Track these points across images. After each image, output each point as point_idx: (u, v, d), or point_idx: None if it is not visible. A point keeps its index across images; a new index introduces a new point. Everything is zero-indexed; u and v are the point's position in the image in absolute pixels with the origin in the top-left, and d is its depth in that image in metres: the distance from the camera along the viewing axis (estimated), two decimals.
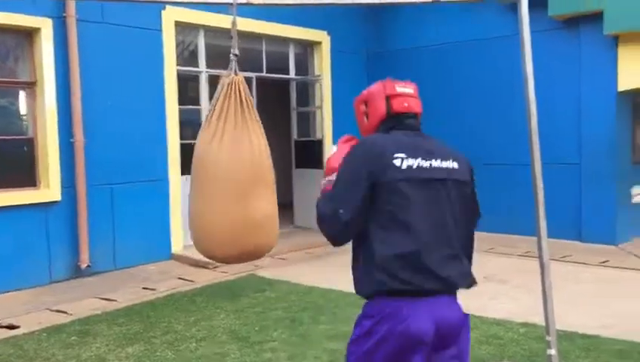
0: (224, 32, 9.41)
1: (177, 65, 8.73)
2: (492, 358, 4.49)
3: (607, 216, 8.87)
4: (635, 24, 8.25)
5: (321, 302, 6.16)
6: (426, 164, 2.19)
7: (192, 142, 9.10)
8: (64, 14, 7.40)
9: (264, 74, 10.02)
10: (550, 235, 3.52)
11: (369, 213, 2.15)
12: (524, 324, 5.20)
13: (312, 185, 10.14)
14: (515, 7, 9.49)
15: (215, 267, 8.00)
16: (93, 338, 5.30)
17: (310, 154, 10.41)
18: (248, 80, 9.72)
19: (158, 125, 8.52)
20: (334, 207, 2.16)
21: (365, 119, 2.37)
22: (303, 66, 10.73)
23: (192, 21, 8.87)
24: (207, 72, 9.21)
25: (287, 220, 10.68)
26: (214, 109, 3.05)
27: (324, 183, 2.31)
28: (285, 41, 10.30)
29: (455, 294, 2.25)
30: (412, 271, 2.12)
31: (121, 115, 8.07)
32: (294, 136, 10.65)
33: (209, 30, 9.21)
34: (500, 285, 6.73)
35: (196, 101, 9.22)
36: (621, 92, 8.76)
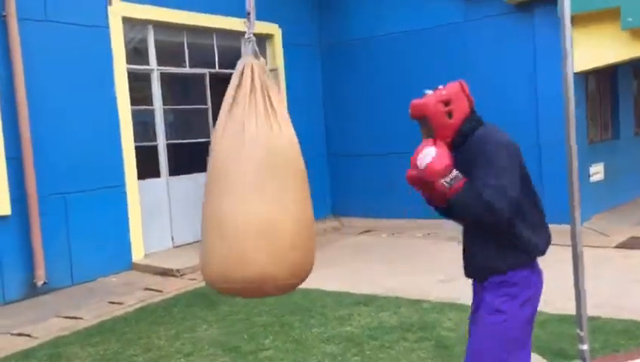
0: (175, 28, 9.01)
1: (127, 63, 8.25)
2: None
3: (568, 196, 8.97)
4: (589, 5, 8.36)
5: (305, 303, 5.91)
6: None
7: (148, 144, 8.80)
8: (4, 13, 6.82)
9: (217, 70, 9.63)
10: None
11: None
12: None
13: None
14: None
15: (182, 274, 7.63)
16: None
17: None
18: (201, 76, 9.34)
19: (110, 128, 8.01)
20: (507, 190, 2.42)
21: (448, 118, 2.59)
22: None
23: (141, 16, 8.40)
24: (158, 69, 8.76)
25: None
26: (231, 97, 2.67)
27: (449, 182, 2.47)
28: (237, 35, 9.93)
29: None
30: (546, 241, 2.65)
31: (70, 119, 7.54)
32: None
33: (159, 26, 8.75)
34: None
35: (149, 101, 8.75)
36: (576, 73, 8.87)
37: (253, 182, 2.60)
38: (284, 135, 2.66)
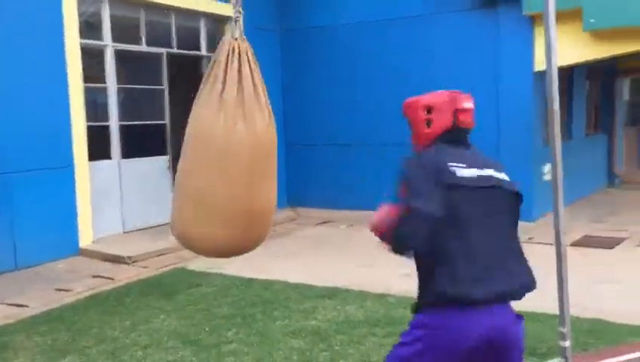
0: (131, 3, 8.59)
1: (80, 38, 7.80)
2: None
3: (525, 194, 9.08)
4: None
5: (267, 295, 5.72)
6: (480, 173, 2.24)
7: (100, 124, 8.37)
8: None
9: (175, 50, 9.26)
10: None
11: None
12: None
13: None
14: None
15: (134, 261, 7.30)
16: (13, 352, 4.53)
17: None
18: (158, 56, 8.96)
19: (60, 106, 7.56)
20: (418, 208, 2.09)
21: (426, 126, 2.36)
22: (216, 43, 10.04)
23: None
24: (113, 46, 8.33)
25: None
26: (219, 78, 2.54)
27: (383, 225, 2.20)
28: (196, 14, 9.58)
29: (509, 303, 2.23)
30: (473, 283, 2.09)
31: (17, 95, 7.06)
32: None
33: (115, 0, 8.32)
34: None
35: (102, 79, 8.31)
36: (537, 72, 8.97)
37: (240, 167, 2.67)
38: (271, 119, 2.73)
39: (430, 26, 9.66)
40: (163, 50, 9.01)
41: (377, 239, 2.23)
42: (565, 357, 3.23)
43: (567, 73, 10.69)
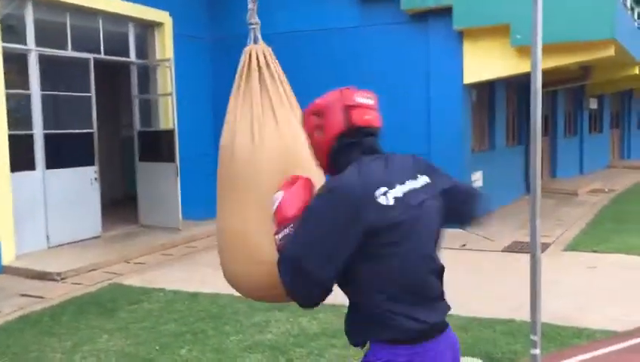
0: (56, 6, 8.18)
1: (2, 42, 7.33)
2: None
3: None
4: (482, 20, 8.79)
5: (214, 309, 5.55)
6: (404, 189, 1.87)
7: (23, 132, 7.88)
8: None
9: (102, 55, 8.89)
10: None
11: (357, 259, 1.80)
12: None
13: (158, 180, 9.28)
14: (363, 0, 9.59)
15: (64, 278, 6.90)
16: None
17: (156, 146, 9.49)
18: (84, 61, 8.57)
19: None
20: (308, 270, 1.77)
21: (318, 133, 1.97)
22: (144, 49, 9.74)
23: None
24: (37, 50, 7.88)
25: (131, 219, 9.68)
26: (246, 96, 2.40)
27: (279, 239, 1.90)
28: (124, 19, 9.25)
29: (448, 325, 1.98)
30: (418, 312, 1.84)
31: None
32: (137, 126, 9.62)
33: (39, 3, 7.89)
34: None
35: (25, 85, 7.84)
36: (466, 84, 9.30)
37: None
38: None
39: (362, 38, 9.81)
40: (90, 56, 8.61)
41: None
42: None
43: (488, 86, 11.15)
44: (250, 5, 2.60)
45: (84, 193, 8.52)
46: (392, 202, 1.80)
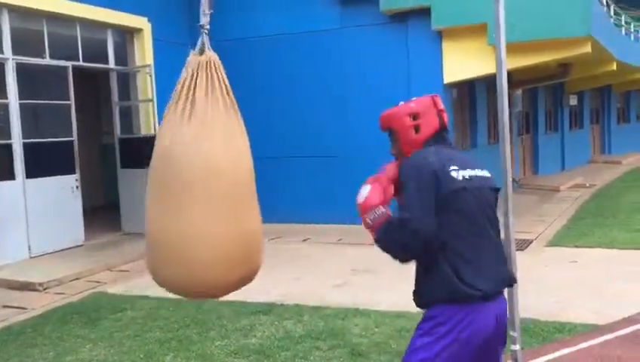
0: (33, 14, 8.11)
1: None
2: None
3: None
4: (461, 19, 8.85)
5: (199, 315, 5.53)
6: (473, 173, 2.35)
7: (2, 142, 7.79)
8: None
9: (81, 63, 8.82)
10: None
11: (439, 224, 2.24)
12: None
13: (140, 187, 9.21)
14: (343, 0, 9.63)
15: (46, 288, 6.84)
16: None
17: (137, 152, 9.42)
18: (63, 69, 8.51)
19: None
20: (416, 220, 2.19)
21: (414, 132, 2.43)
22: (124, 55, 9.69)
23: None
24: (14, 59, 7.81)
25: (113, 226, 9.62)
26: (188, 97, 2.41)
27: (371, 219, 2.31)
28: (102, 26, 9.19)
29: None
30: (478, 276, 2.25)
31: None
32: (118, 133, 9.56)
33: (15, 10, 7.83)
34: (371, 275, 6.70)
35: (3, 94, 7.76)
36: (446, 84, 9.35)
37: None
38: (245, 141, 2.61)
39: (343, 40, 9.83)
40: (68, 64, 8.55)
41: (368, 230, 2.34)
42: (515, 359, 3.34)
43: (469, 86, 11.24)
44: (206, 10, 2.61)
45: (66, 201, 8.45)
46: (460, 178, 2.28)
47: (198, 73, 2.46)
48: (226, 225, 2.41)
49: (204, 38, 2.58)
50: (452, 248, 2.22)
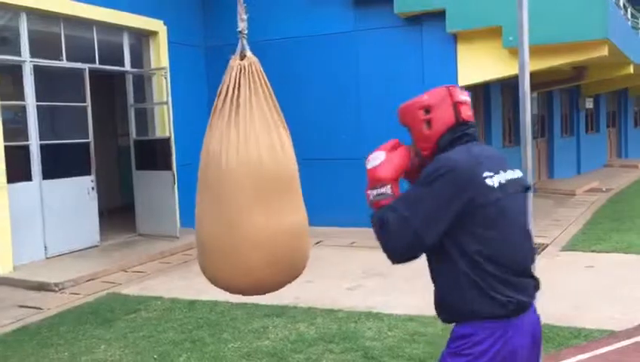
0: (50, 17, 8.20)
1: None
2: (431, 357, 4.35)
3: None
4: (475, 22, 8.82)
5: (212, 316, 5.55)
6: (506, 177, 2.12)
7: (19, 143, 7.88)
8: None
9: (97, 65, 8.90)
10: None
11: (462, 233, 2.03)
12: (437, 317, 5.13)
13: (155, 188, 9.29)
14: (358, 3, 9.62)
15: (62, 288, 6.90)
16: None
17: (153, 154, 9.49)
18: (79, 72, 8.58)
19: None
20: (413, 225, 2.02)
21: (426, 127, 2.18)
22: (138, 58, 9.76)
23: (12, 1, 7.52)
24: (31, 61, 7.89)
25: (129, 227, 9.68)
26: (233, 101, 2.49)
27: (374, 195, 2.16)
28: (119, 29, 9.27)
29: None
30: (513, 288, 2.05)
31: None
32: (133, 135, 9.63)
33: (33, 13, 7.91)
34: (383, 279, 6.68)
35: (20, 96, 7.85)
36: (461, 87, 9.29)
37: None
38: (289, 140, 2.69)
39: (357, 43, 9.83)
40: (85, 66, 8.63)
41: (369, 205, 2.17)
42: None
43: (483, 88, 11.18)
44: (243, 16, 2.62)
45: (82, 203, 8.52)
46: (496, 185, 2.05)
47: (240, 77, 2.49)
48: (272, 221, 2.49)
49: (244, 42, 2.60)
50: (486, 259, 2.01)
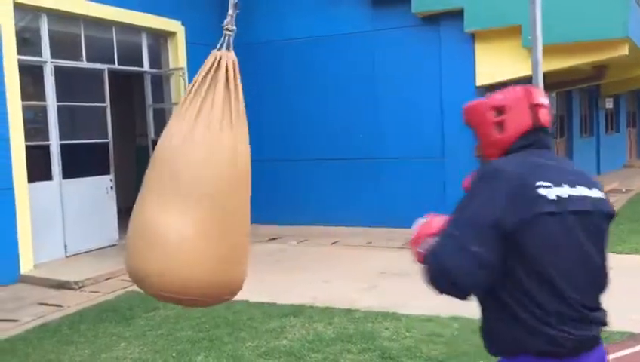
0: (71, 18, 8.29)
1: (18, 54, 7.44)
2: (449, 358, 4.34)
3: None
4: (493, 21, 8.77)
5: (230, 316, 5.57)
6: (575, 192, 1.82)
7: (40, 143, 7.98)
8: None
9: (116, 66, 8.99)
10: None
11: (508, 252, 1.73)
12: (454, 318, 5.13)
13: None
14: (375, 3, 9.61)
15: (82, 286, 6.98)
16: None
17: None
18: (99, 72, 8.67)
19: None
20: (461, 241, 1.72)
21: (497, 130, 1.93)
22: (158, 58, 9.84)
23: (33, 3, 7.62)
24: (52, 62, 7.99)
25: None
26: (197, 95, 2.42)
27: (421, 249, 1.88)
28: (137, 30, 9.35)
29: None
30: (570, 324, 1.78)
31: None
32: (152, 135, 9.71)
33: (53, 14, 8.01)
34: (400, 279, 6.67)
35: (41, 96, 7.95)
36: (479, 87, 9.26)
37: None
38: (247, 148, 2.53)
39: (375, 42, 9.83)
40: (104, 67, 8.72)
41: (418, 263, 1.89)
42: None
43: (499, 88, 11.08)
44: (230, 12, 2.59)
45: (101, 202, 8.61)
46: (553, 197, 1.75)
47: (213, 73, 2.46)
48: (223, 230, 2.40)
49: (225, 39, 2.58)
50: (537, 285, 1.74)
